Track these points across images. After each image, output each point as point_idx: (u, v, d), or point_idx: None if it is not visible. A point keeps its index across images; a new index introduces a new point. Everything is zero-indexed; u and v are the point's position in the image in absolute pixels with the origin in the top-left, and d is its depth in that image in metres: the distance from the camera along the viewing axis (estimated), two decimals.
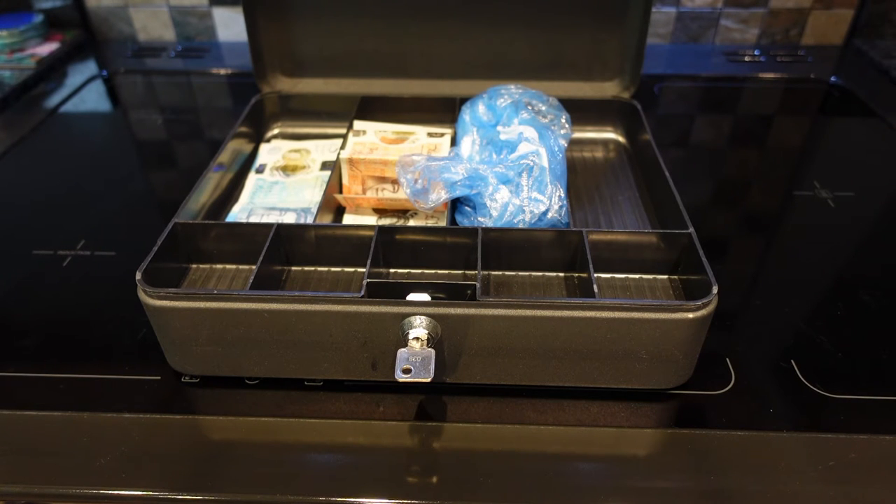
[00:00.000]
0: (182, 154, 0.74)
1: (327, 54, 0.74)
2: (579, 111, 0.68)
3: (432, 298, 0.42)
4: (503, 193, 0.52)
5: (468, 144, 0.60)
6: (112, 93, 0.88)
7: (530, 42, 0.72)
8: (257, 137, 0.71)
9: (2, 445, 0.42)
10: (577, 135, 0.71)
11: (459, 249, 0.51)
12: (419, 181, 0.52)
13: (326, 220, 0.56)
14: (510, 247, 0.50)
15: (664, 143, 0.74)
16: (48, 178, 0.70)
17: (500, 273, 0.52)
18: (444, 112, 0.70)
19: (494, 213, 0.52)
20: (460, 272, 0.52)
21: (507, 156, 0.56)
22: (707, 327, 0.43)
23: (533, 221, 0.52)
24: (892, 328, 0.50)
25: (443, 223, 0.56)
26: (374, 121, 0.70)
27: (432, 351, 0.40)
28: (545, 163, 0.54)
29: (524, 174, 0.53)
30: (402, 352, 0.40)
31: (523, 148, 0.55)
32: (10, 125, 0.79)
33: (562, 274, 0.52)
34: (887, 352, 0.48)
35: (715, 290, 0.42)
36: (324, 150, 0.68)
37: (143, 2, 0.98)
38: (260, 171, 0.65)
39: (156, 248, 0.47)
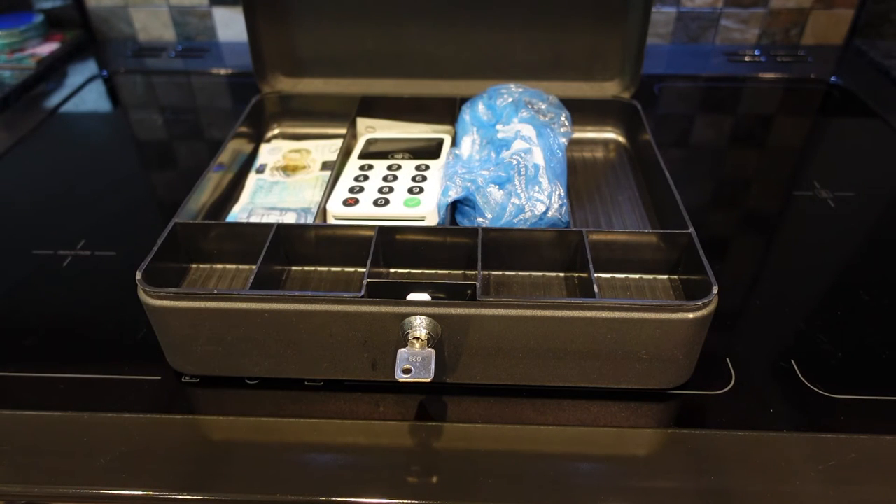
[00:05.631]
0: (182, 154, 0.74)
1: (327, 54, 0.74)
2: (579, 111, 0.68)
3: (432, 298, 0.42)
4: (503, 193, 0.52)
5: (468, 144, 0.60)
6: (112, 93, 0.88)
7: (530, 42, 0.72)
8: (257, 137, 0.71)
9: (2, 445, 0.42)
10: (577, 135, 0.71)
11: (459, 249, 0.51)
12: None
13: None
14: (510, 247, 0.50)
15: (664, 143, 0.74)
16: (48, 178, 0.70)
17: (500, 273, 0.52)
18: (444, 112, 0.70)
19: (494, 214, 0.52)
20: (460, 272, 0.52)
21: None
22: (707, 327, 0.42)
23: (533, 221, 0.52)
24: (892, 328, 0.50)
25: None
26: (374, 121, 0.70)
27: (432, 351, 0.40)
28: (539, 160, 0.54)
29: (520, 172, 0.53)
30: (402, 352, 0.40)
31: (517, 146, 0.55)
32: (10, 125, 0.79)
33: (562, 274, 0.52)
34: (887, 352, 0.48)
35: (715, 290, 0.42)
36: (324, 150, 0.68)
37: (143, 2, 0.98)
38: (260, 171, 0.65)
39: (156, 248, 0.47)
